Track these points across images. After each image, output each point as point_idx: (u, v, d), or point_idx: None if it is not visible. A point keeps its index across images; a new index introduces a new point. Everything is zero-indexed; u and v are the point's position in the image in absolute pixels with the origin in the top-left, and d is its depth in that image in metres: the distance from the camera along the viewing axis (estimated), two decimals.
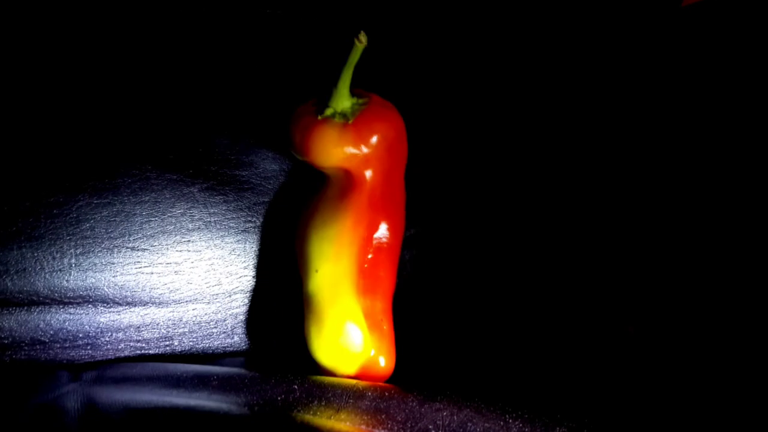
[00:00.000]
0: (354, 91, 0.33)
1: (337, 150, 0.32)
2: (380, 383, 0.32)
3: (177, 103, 0.36)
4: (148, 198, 0.35)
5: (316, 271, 0.33)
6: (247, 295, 0.37)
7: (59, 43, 0.34)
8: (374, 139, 0.32)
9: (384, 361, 0.33)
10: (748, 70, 0.31)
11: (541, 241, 0.38)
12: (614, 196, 0.36)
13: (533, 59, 0.40)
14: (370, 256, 0.33)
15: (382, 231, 0.33)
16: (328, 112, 0.33)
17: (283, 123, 0.35)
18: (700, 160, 0.32)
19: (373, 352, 0.33)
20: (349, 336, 0.32)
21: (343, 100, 0.32)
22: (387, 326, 0.34)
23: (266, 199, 0.37)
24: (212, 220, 0.36)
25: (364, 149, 0.32)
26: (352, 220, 0.33)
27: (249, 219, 0.37)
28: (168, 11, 0.36)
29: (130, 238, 0.34)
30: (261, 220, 0.37)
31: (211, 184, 0.36)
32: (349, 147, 0.32)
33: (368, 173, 0.33)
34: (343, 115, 0.32)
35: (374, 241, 0.33)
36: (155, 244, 0.35)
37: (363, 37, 0.30)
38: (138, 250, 0.34)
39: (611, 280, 0.35)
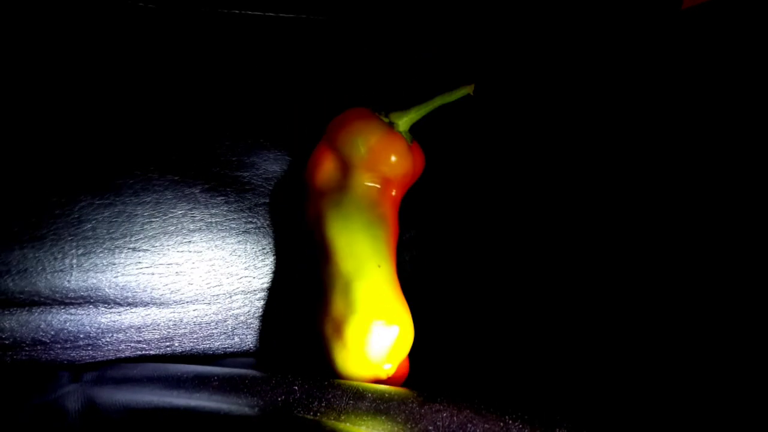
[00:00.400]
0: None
1: (401, 162, 0.34)
2: (381, 384, 0.32)
3: (179, 105, 0.36)
4: (149, 199, 0.35)
5: (379, 266, 0.33)
6: (248, 295, 0.37)
7: (62, 44, 0.35)
8: (419, 167, 0.36)
9: (406, 363, 0.34)
10: (748, 73, 0.31)
11: (540, 241, 0.38)
12: (613, 198, 0.36)
13: (533, 61, 0.40)
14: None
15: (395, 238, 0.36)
16: (397, 127, 0.35)
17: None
18: (701, 162, 0.32)
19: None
20: (407, 326, 0.33)
21: (408, 123, 0.35)
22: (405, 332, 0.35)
23: (267, 201, 0.37)
24: (213, 221, 0.36)
25: (415, 170, 0.35)
26: (393, 228, 0.35)
27: (250, 220, 0.37)
28: (169, 13, 0.36)
29: (132, 239, 0.34)
30: (262, 221, 0.37)
31: (213, 185, 0.36)
32: (408, 164, 0.34)
33: (394, 191, 0.35)
34: (406, 136, 0.35)
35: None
36: (156, 244, 0.35)
37: (472, 89, 0.35)
38: (139, 250, 0.34)
39: (611, 281, 0.35)
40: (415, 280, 0.39)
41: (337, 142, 0.34)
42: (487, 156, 0.41)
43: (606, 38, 0.39)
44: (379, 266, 0.33)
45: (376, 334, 0.32)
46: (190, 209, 0.36)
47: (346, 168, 0.34)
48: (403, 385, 0.34)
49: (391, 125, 0.35)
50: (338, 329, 0.32)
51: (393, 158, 0.34)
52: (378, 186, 0.34)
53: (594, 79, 0.39)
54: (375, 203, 0.34)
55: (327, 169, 0.35)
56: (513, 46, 0.41)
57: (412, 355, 0.35)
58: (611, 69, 0.38)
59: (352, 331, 0.32)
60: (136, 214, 0.34)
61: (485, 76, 0.41)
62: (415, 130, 0.36)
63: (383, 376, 0.33)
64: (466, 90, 0.34)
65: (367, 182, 0.34)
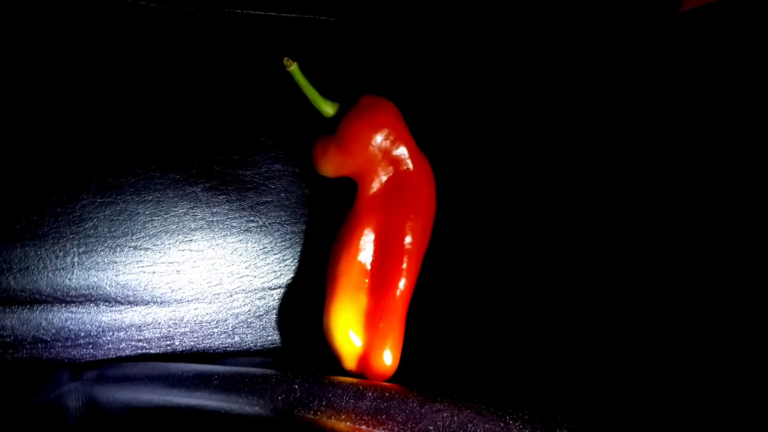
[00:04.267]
0: (344, 99, 0.35)
1: (326, 163, 0.35)
2: (381, 383, 0.32)
3: (181, 104, 0.36)
4: (151, 197, 0.35)
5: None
6: (249, 295, 0.37)
7: (62, 43, 0.35)
8: (358, 144, 0.33)
9: (383, 358, 0.34)
10: (745, 76, 0.31)
11: (540, 242, 0.38)
12: (612, 199, 0.36)
13: (532, 65, 0.41)
14: (379, 257, 0.34)
15: (391, 232, 0.34)
16: (331, 120, 0.35)
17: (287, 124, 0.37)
18: (699, 164, 0.32)
19: (363, 350, 0.34)
20: (347, 333, 0.34)
21: (329, 110, 0.35)
22: (383, 324, 0.34)
23: (269, 199, 0.37)
24: (215, 219, 0.36)
25: (349, 156, 0.34)
26: (354, 224, 0.35)
27: (251, 219, 0.37)
28: (170, 14, 0.36)
29: (133, 237, 0.34)
30: (263, 220, 0.37)
31: (214, 184, 0.36)
32: (335, 157, 0.34)
33: (368, 177, 0.34)
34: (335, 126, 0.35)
35: (382, 242, 0.34)
36: (158, 243, 0.35)
37: (288, 61, 0.33)
38: (140, 249, 0.34)
39: (611, 281, 0.35)
40: (421, 279, 0.39)
41: None
42: (489, 154, 0.41)
43: (604, 41, 0.39)
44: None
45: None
46: (192, 208, 0.36)
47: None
48: (404, 384, 0.34)
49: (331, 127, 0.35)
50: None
51: (318, 161, 0.35)
52: (357, 183, 0.35)
53: (593, 82, 0.39)
54: (354, 201, 0.35)
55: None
56: (513, 52, 0.41)
57: (414, 354, 0.35)
58: (610, 71, 0.38)
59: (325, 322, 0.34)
60: (138, 213, 0.35)
61: (488, 83, 0.41)
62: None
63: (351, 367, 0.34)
64: (289, 68, 0.33)
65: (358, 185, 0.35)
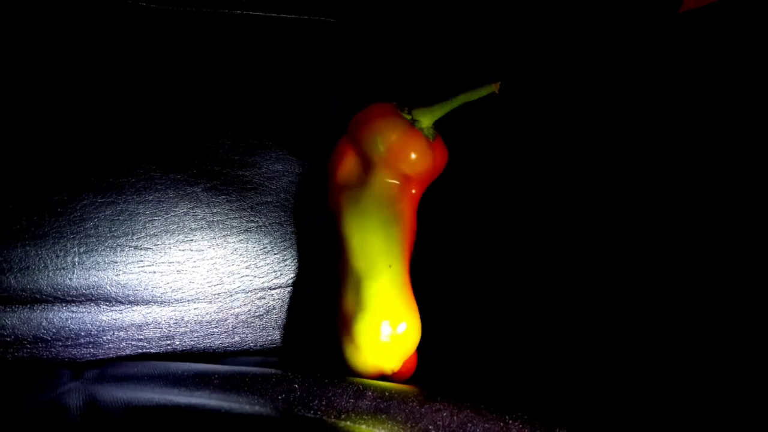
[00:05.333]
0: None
1: (421, 160, 0.34)
2: (381, 383, 0.32)
3: (182, 104, 0.36)
4: (151, 197, 0.35)
5: (390, 266, 0.33)
6: (249, 294, 0.37)
7: (63, 44, 0.35)
8: (441, 163, 0.35)
9: (411, 360, 0.34)
10: (745, 76, 0.31)
11: (540, 241, 0.38)
12: (612, 199, 0.36)
13: (532, 64, 0.41)
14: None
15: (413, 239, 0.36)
16: (420, 124, 0.34)
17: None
18: (699, 164, 0.32)
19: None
20: (418, 329, 0.33)
21: (430, 120, 0.35)
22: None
23: (269, 199, 0.38)
24: (215, 219, 0.36)
25: (435, 168, 0.35)
26: (408, 226, 0.35)
27: (252, 219, 0.37)
28: (170, 14, 0.36)
29: (134, 237, 0.34)
30: (264, 220, 0.37)
31: (215, 184, 0.36)
32: (428, 162, 0.34)
33: (413, 189, 0.35)
34: (428, 132, 0.35)
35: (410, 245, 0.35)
36: (158, 243, 0.35)
37: (497, 88, 0.33)
38: (141, 249, 0.34)
39: (612, 282, 0.35)
40: (420, 279, 0.39)
41: (357, 138, 0.34)
42: (490, 154, 0.41)
43: (603, 41, 0.39)
44: (390, 266, 0.33)
45: (383, 333, 0.32)
46: (192, 208, 0.36)
47: (366, 164, 0.34)
48: (406, 383, 0.34)
49: (413, 122, 0.34)
50: (348, 326, 0.33)
51: (413, 156, 0.34)
52: (397, 183, 0.34)
53: (593, 82, 0.39)
54: (393, 201, 0.34)
55: (347, 164, 0.35)
56: (513, 47, 0.41)
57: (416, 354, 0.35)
58: (610, 71, 0.38)
59: (360, 328, 0.32)
60: (138, 213, 0.35)
61: (486, 77, 0.41)
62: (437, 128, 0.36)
63: (389, 372, 0.33)
64: (492, 88, 0.33)
65: (386, 179, 0.34)
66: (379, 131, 0.34)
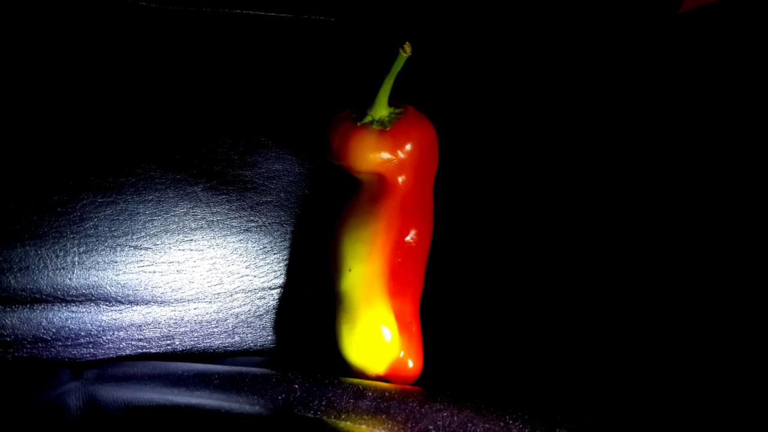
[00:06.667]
0: (391, 102, 0.35)
1: (374, 155, 0.33)
2: (381, 383, 0.32)
3: (181, 104, 0.36)
4: (151, 197, 0.35)
5: (350, 270, 0.33)
6: (249, 294, 0.37)
7: (63, 43, 0.35)
8: (408, 147, 0.34)
9: (412, 363, 0.34)
10: (745, 76, 0.31)
11: (540, 241, 0.38)
12: (611, 199, 0.36)
13: (532, 64, 0.41)
14: (399, 260, 0.34)
15: (412, 235, 0.34)
16: (367, 119, 0.34)
17: (317, 130, 0.36)
18: (700, 164, 0.32)
19: (402, 353, 0.33)
20: (381, 335, 0.33)
21: (382, 109, 0.34)
22: (416, 328, 0.34)
23: (269, 199, 0.38)
24: (215, 219, 0.36)
25: (400, 155, 0.34)
26: (385, 223, 0.34)
27: (251, 219, 0.37)
28: (170, 14, 0.36)
29: (133, 237, 0.34)
30: (263, 219, 0.37)
31: (214, 184, 0.36)
32: (385, 153, 0.33)
33: (401, 179, 0.34)
34: (381, 122, 0.34)
35: (405, 245, 0.34)
36: (158, 242, 0.35)
37: (408, 48, 0.32)
38: (141, 248, 0.34)
39: (612, 282, 0.35)
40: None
41: (326, 149, 0.36)
42: (490, 154, 0.41)
43: (605, 41, 0.39)
44: (350, 270, 0.33)
45: (343, 333, 0.34)
46: (192, 208, 0.36)
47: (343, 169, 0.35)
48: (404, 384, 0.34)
49: (357, 120, 0.34)
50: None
51: (363, 152, 0.34)
52: (371, 182, 0.35)
53: (593, 82, 0.39)
54: (368, 202, 0.34)
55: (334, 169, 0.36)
56: (513, 47, 0.41)
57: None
58: (610, 71, 0.38)
59: (336, 326, 0.34)
60: (138, 213, 0.35)
61: (486, 77, 0.41)
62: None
63: (373, 375, 0.33)
64: (403, 56, 0.32)
65: (360, 181, 0.35)
66: (330, 140, 0.35)
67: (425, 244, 0.35)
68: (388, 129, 0.34)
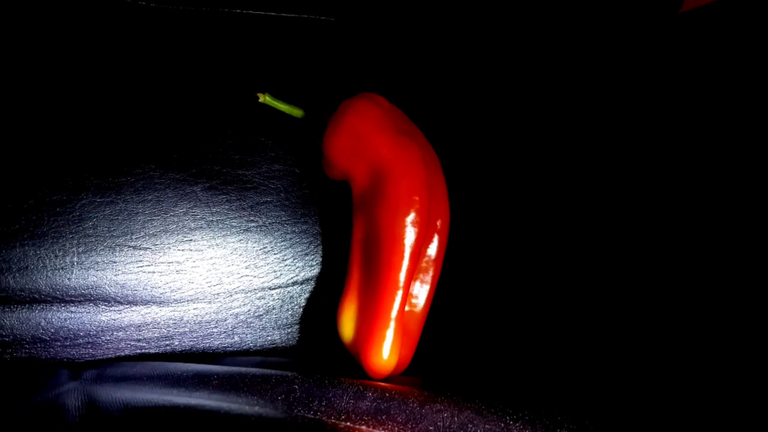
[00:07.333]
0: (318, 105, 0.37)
1: (325, 168, 0.36)
2: (381, 383, 0.32)
3: (181, 104, 0.36)
4: (150, 197, 0.35)
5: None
6: (248, 294, 0.37)
7: (63, 43, 0.35)
8: (334, 150, 0.34)
9: (380, 355, 0.32)
10: (745, 76, 0.31)
11: (543, 244, 0.38)
12: (613, 199, 0.36)
13: (532, 64, 0.41)
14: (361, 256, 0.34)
15: (372, 230, 0.33)
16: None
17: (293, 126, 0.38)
18: (700, 164, 0.32)
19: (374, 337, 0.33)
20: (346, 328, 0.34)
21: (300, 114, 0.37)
22: (371, 321, 0.33)
23: (269, 199, 0.37)
24: (214, 219, 0.36)
25: (333, 161, 0.35)
26: (352, 225, 0.35)
27: (251, 219, 0.37)
28: (170, 14, 0.36)
29: (133, 237, 0.34)
30: (263, 219, 0.37)
31: (214, 184, 0.36)
32: (326, 162, 0.36)
33: (354, 180, 0.34)
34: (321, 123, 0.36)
35: (366, 242, 0.34)
36: (157, 243, 0.35)
37: (261, 96, 0.36)
38: (140, 248, 0.34)
39: (613, 282, 0.35)
40: None
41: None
42: (490, 154, 0.41)
43: (605, 41, 0.39)
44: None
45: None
46: (191, 208, 0.36)
47: None
48: (405, 384, 0.34)
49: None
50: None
51: (324, 166, 0.36)
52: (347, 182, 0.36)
53: (593, 82, 0.39)
54: (356, 204, 0.35)
55: None
56: (513, 47, 0.41)
57: (414, 355, 0.35)
58: (610, 71, 0.38)
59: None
60: (137, 213, 0.34)
61: (487, 77, 0.41)
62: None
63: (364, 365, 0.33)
64: (262, 100, 0.36)
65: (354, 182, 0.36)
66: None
67: (389, 238, 0.33)
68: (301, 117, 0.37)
